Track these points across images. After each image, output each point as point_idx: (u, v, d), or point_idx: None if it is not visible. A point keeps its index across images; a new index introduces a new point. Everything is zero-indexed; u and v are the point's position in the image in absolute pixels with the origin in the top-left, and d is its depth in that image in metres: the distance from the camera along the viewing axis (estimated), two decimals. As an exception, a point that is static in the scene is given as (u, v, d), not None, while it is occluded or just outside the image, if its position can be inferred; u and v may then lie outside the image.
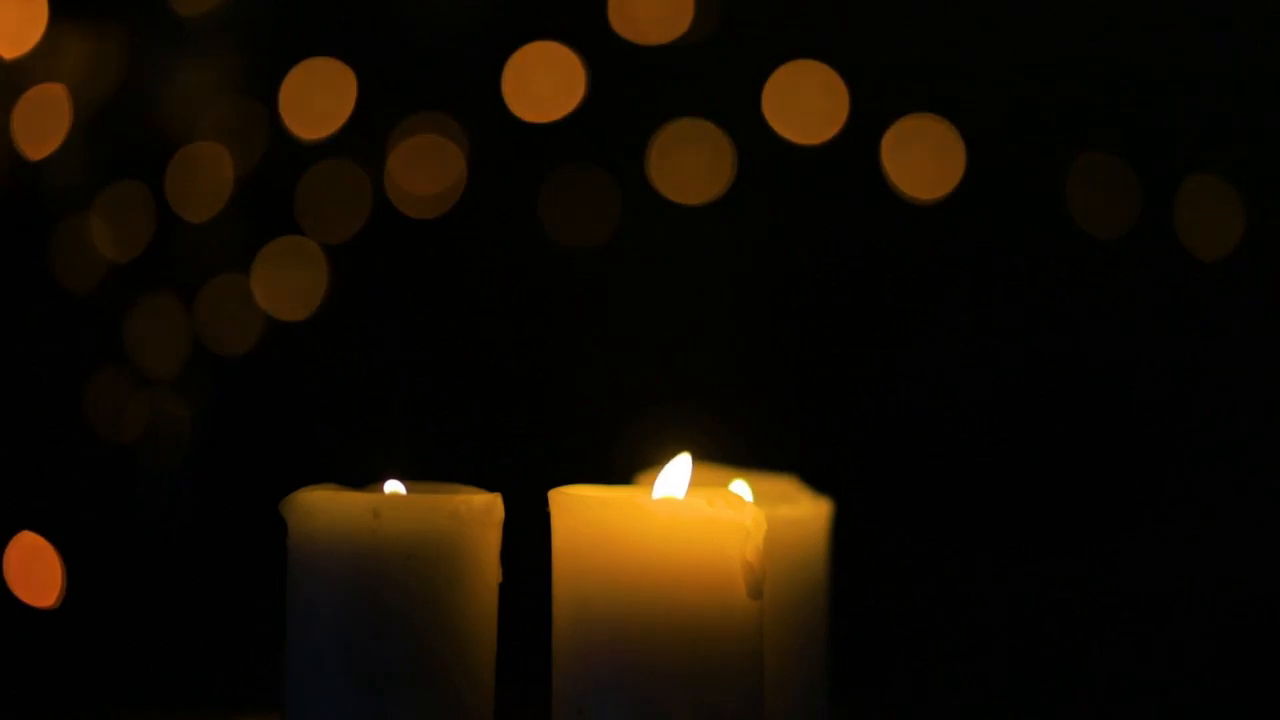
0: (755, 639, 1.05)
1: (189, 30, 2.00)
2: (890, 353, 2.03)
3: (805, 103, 1.99)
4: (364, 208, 2.03)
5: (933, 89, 1.98)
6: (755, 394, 2.01)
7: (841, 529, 1.27)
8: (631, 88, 2.02)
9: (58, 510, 1.96)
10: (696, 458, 1.11)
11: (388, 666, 1.07)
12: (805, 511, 1.23)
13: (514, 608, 1.15)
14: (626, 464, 1.26)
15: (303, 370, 2.05)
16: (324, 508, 1.08)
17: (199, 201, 2.01)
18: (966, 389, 2.01)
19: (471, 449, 2.02)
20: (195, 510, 2.02)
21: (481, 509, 1.09)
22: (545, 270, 2.05)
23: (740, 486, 1.23)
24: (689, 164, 2.01)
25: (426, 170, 2.03)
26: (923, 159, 1.98)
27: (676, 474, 1.09)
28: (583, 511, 1.05)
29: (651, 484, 1.09)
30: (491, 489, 1.11)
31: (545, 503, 1.07)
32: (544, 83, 2.01)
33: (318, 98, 2.02)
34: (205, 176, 2.01)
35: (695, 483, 1.09)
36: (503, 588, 1.11)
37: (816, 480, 1.28)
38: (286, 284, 2.02)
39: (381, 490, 1.12)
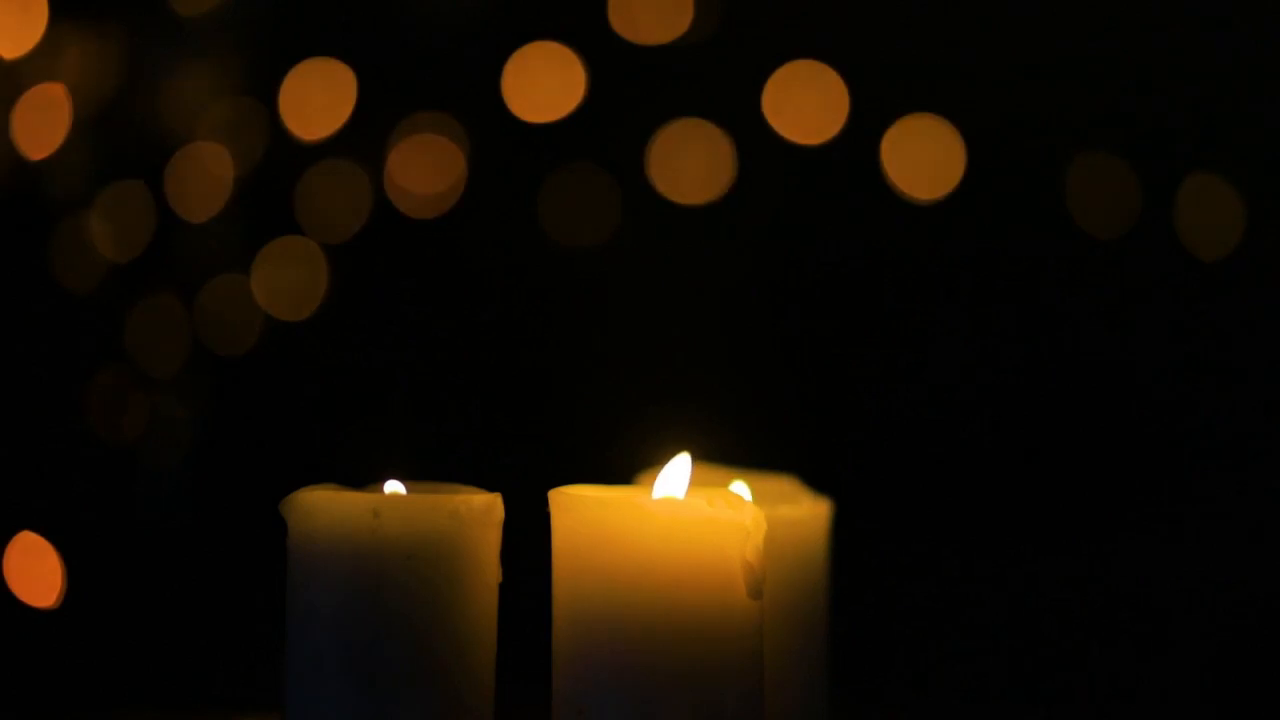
0: (755, 639, 1.05)
1: (189, 30, 2.00)
2: (890, 353, 2.03)
3: (805, 103, 1.99)
4: (364, 208, 2.03)
5: (933, 89, 1.98)
6: (755, 394, 2.01)
7: (841, 529, 1.27)
8: (631, 88, 2.02)
9: (58, 510, 1.96)
10: (696, 458, 1.11)
11: (388, 666, 1.07)
12: (805, 511, 1.23)
13: (514, 608, 1.16)
14: (626, 464, 1.26)
15: (303, 370, 2.05)
16: (324, 508, 1.08)
17: (199, 201, 2.00)
18: (966, 389, 2.01)
19: (471, 449, 2.02)
20: (195, 510, 2.02)
21: (481, 509, 1.09)
22: (545, 270, 2.05)
23: (740, 486, 1.23)
24: (689, 164, 2.01)
25: (426, 170, 2.03)
26: (923, 159, 1.98)
27: (676, 474, 1.09)
28: (582, 511, 1.05)
29: (651, 484, 1.09)
30: (491, 489, 1.11)
31: (545, 503, 1.07)
32: (544, 83, 2.01)
33: (318, 98, 2.02)
34: (205, 176, 2.01)
35: (695, 483, 1.09)
36: (503, 588, 1.11)
37: (816, 480, 1.28)
38: (286, 284, 2.02)
39: (381, 490, 1.12)
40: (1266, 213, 1.96)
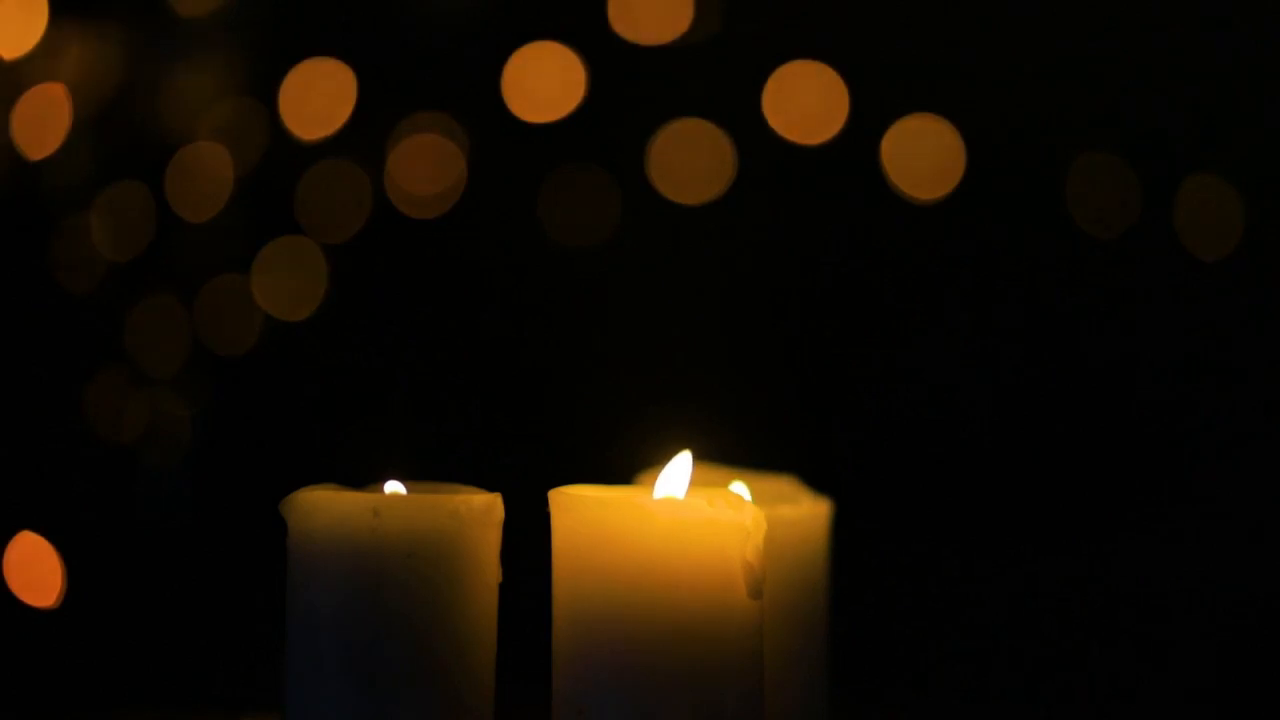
0: (755, 639, 1.05)
1: (189, 30, 2.00)
2: (890, 353, 2.03)
3: (805, 103, 1.99)
4: (364, 208, 2.03)
5: (933, 89, 1.98)
6: (755, 394, 2.01)
7: (841, 529, 1.27)
8: (631, 88, 2.02)
9: (58, 510, 1.96)
10: (696, 457, 1.11)
11: (388, 666, 1.07)
12: (805, 511, 1.23)
13: (514, 608, 1.16)
14: (626, 464, 1.26)
15: (303, 370, 2.05)
16: (324, 508, 1.08)
17: (199, 201, 2.00)
18: (966, 389, 2.01)
19: (471, 449, 2.02)
20: (195, 510, 2.02)
21: (481, 509, 1.09)
22: (545, 270, 2.05)
23: (740, 486, 1.23)
24: (689, 164, 2.01)
25: (426, 170, 2.03)
26: (923, 159, 1.98)
27: (677, 473, 1.09)
28: (582, 511, 1.05)
29: (652, 484, 1.09)
30: (491, 489, 1.11)
31: (545, 503, 1.07)
32: (544, 83, 2.01)
33: (318, 98, 2.02)
34: (205, 176, 2.01)
35: (695, 483, 1.09)
36: (503, 588, 1.11)
37: (816, 480, 1.28)
38: (286, 284, 2.02)
39: (381, 490, 1.12)
40: (1266, 213, 1.96)
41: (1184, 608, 1.97)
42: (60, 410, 1.98)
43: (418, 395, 2.06)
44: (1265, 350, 1.98)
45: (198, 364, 2.00)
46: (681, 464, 1.09)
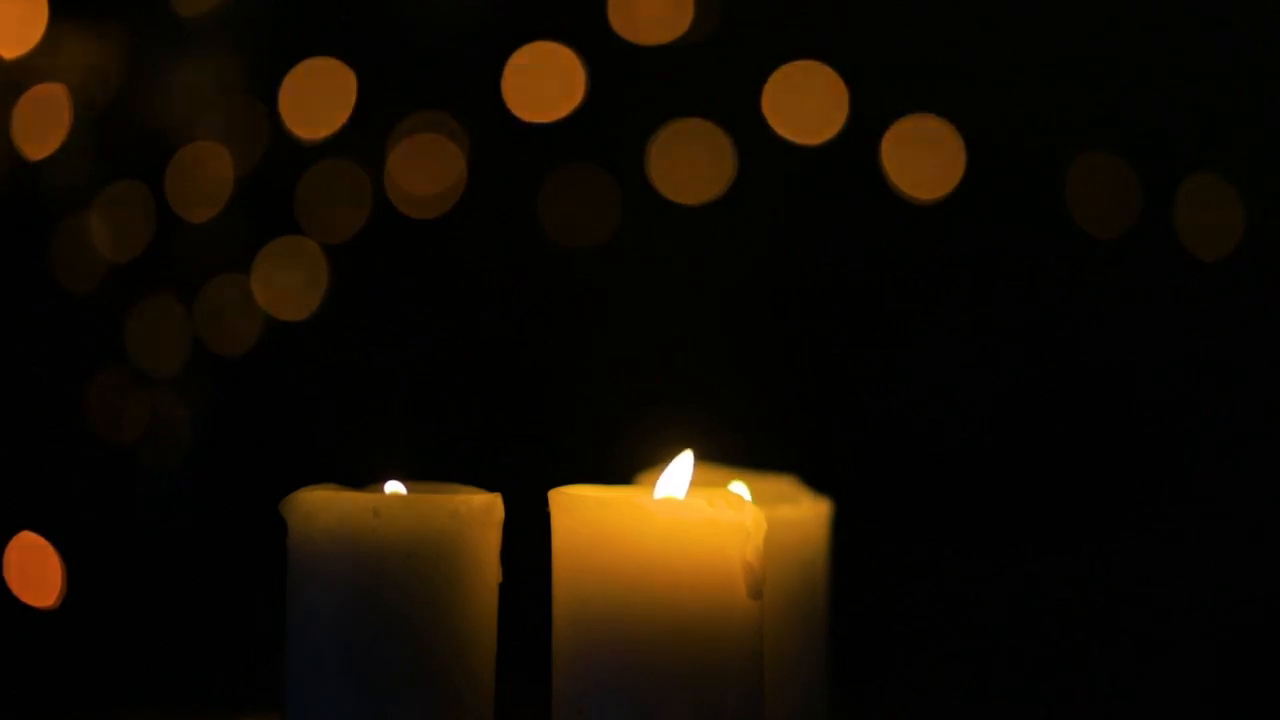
0: (755, 639, 1.05)
1: (189, 30, 2.00)
2: (890, 353, 2.03)
3: (805, 103, 1.99)
4: (364, 208, 2.03)
5: (933, 89, 1.98)
6: (755, 394, 2.01)
7: (841, 529, 1.27)
8: (631, 88, 2.02)
9: (58, 510, 1.96)
10: (697, 458, 1.11)
11: (388, 667, 1.07)
12: (805, 511, 1.23)
13: (514, 608, 1.16)
14: (626, 464, 1.26)
15: (303, 370, 2.05)
16: (324, 508, 1.08)
17: (199, 201, 2.00)
18: (966, 389, 2.01)
19: (471, 449, 2.02)
20: (195, 510, 2.02)
21: (481, 509, 1.09)
22: (545, 270, 2.05)
23: (740, 486, 1.23)
24: (689, 164, 2.01)
25: (426, 170, 2.03)
26: (923, 159, 1.98)
27: (679, 472, 1.09)
28: (582, 511, 1.05)
29: (652, 484, 1.09)
30: (491, 489, 1.11)
31: (545, 503, 1.07)
32: (544, 83, 2.01)
33: (318, 98, 2.02)
34: (205, 176, 2.01)
35: (695, 483, 1.09)
36: (503, 588, 1.11)
37: (816, 480, 1.28)
38: (286, 284, 2.02)
39: (381, 490, 1.12)
40: (1266, 213, 1.96)
41: (1184, 608, 1.97)
42: (60, 410, 1.98)
43: (418, 395, 2.06)
44: (1265, 350, 1.98)
45: (198, 364, 2.00)
46: (683, 464, 1.09)
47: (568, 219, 2.03)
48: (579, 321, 2.05)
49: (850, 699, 1.36)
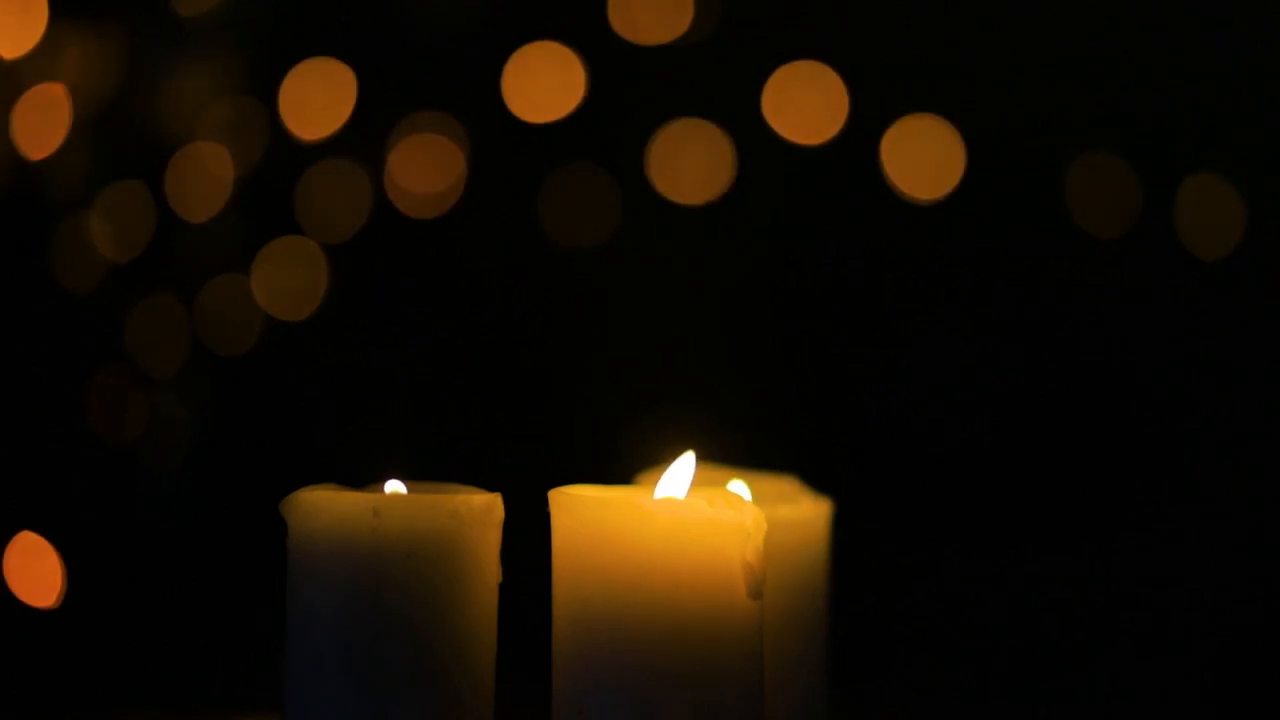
0: (755, 639, 1.05)
1: (189, 30, 2.00)
2: (890, 353, 2.03)
3: (805, 103, 1.99)
4: (364, 208, 2.03)
5: (933, 89, 1.98)
6: (755, 394, 2.01)
7: (841, 529, 1.27)
8: (631, 88, 2.02)
9: (58, 510, 1.96)
10: (697, 458, 1.11)
11: (387, 667, 1.07)
12: (805, 512, 1.23)
13: (514, 608, 1.15)
14: (626, 464, 1.26)
15: (303, 370, 2.05)
16: (324, 508, 1.08)
17: (199, 201, 2.00)
18: (966, 389, 2.01)
19: (471, 449, 2.02)
20: (195, 510, 2.02)
21: (481, 509, 1.09)
22: (545, 270, 2.05)
23: (740, 486, 1.23)
24: (689, 164, 2.01)
25: (426, 170, 2.03)
26: (923, 159, 1.98)
27: (680, 473, 1.09)
28: (583, 511, 1.05)
29: (653, 484, 1.09)
30: (491, 489, 1.11)
31: (545, 503, 1.07)
32: (544, 83, 2.01)
33: (318, 98, 2.02)
34: (205, 176, 2.01)
35: (696, 483, 1.09)
36: (503, 588, 1.11)
37: (816, 480, 1.28)
38: (286, 284, 2.02)
39: (381, 490, 1.12)
40: (1266, 213, 1.96)
41: (1184, 608, 1.97)
42: (60, 410, 1.98)
43: (418, 395, 2.06)
44: (1265, 350, 1.98)
45: (198, 364, 2.00)
46: (685, 465, 1.09)
47: (568, 219, 2.03)
48: (579, 321, 2.05)
49: (850, 699, 1.36)
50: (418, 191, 2.03)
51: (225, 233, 2.01)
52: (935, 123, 1.98)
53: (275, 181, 2.02)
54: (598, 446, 1.62)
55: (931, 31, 2.01)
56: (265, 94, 2.01)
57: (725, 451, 1.28)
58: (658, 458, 1.14)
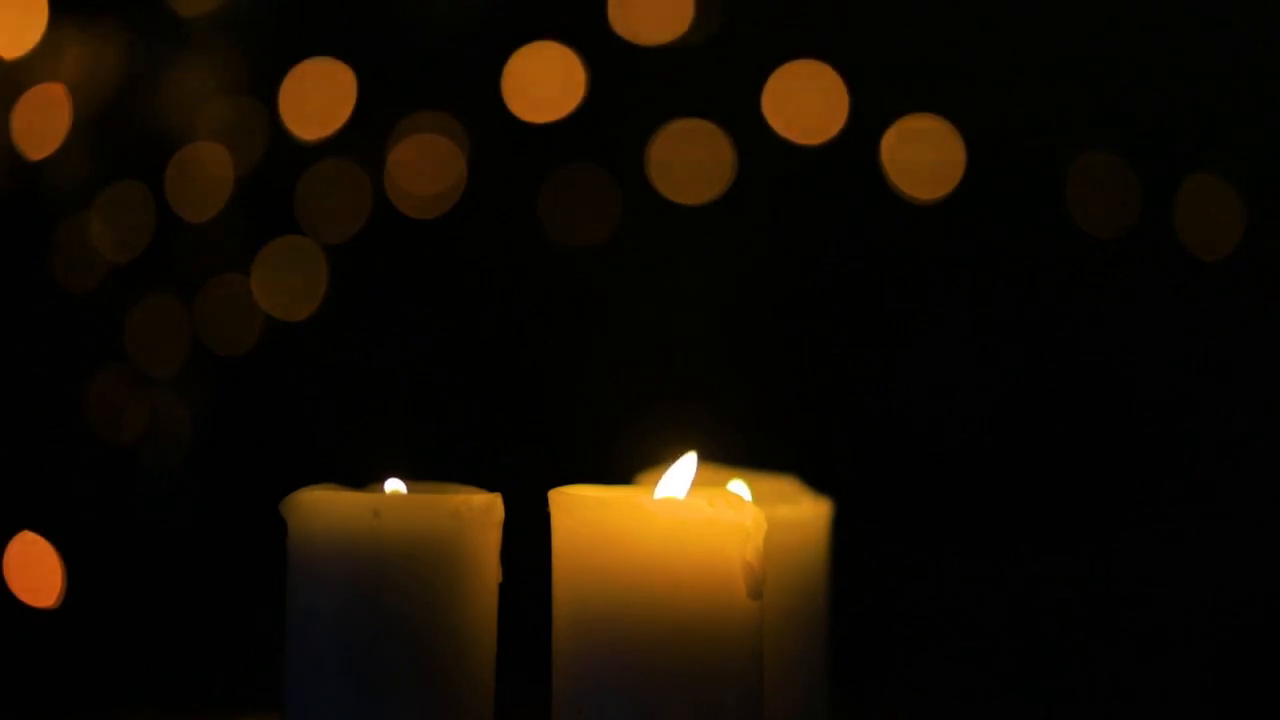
0: (755, 639, 1.05)
1: (189, 30, 2.00)
2: (890, 353, 2.03)
3: (805, 103, 1.99)
4: (364, 208, 2.03)
5: (933, 89, 1.98)
6: (755, 394, 2.01)
7: (841, 529, 1.27)
8: (631, 88, 2.02)
9: (58, 510, 1.96)
10: (698, 457, 1.11)
11: (387, 667, 1.07)
12: (805, 512, 1.23)
13: (514, 608, 1.15)
14: (627, 464, 1.26)
15: (303, 370, 2.05)
16: (324, 508, 1.08)
17: (199, 201, 2.00)
18: (966, 389, 2.01)
19: (471, 449, 2.02)
20: (195, 510, 2.02)
21: (481, 509, 1.09)
22: (545, 270, 2.05)
23: (740, 486, 1.23)
24: (689, 164, 2.01)
25: (426, 170, 2.03)
26: (923, 159, 1.98)
27: (681, 473, 1.09)
28: (583, 511, 1.05)
29: (653, 484, 1.09)
30: (491, 489, 1.11)
31: (545, 503, 1.07)
32: (544, 83, 2.01)
33: (318, 98, 2.02)
34: (205, 176, 2.01)
35: (696, 482, 1.09)
36: (503, 588, 1.11)
37: (816, 480, 1.28)
38: (286, 284, 2.02)
39: (381, 490, 1.12)
40: (1266, 213, 1.96)
41: (1184, 608, 1.97)
42: (60, 410, 1.98)
43: (418, 395, 2.06)
44: (1265, 350, 1.98)
45: (198, 364, 2.00)
46: (686, 465, 1.09)
47: (568, 219, 2.03)
48: (579, 321, 2.05)
49: (850, 699, 1.36)
50: (418, 192, 2.03)
51: (225, 233, 2.01)
52: (935, 123, 1.98)
53: (275, 181, 2.02)
54: (598, 446, 1.62)
55: (931, 31, 2.01)
56: (265, 94, 2.01)
57: (725, 451, 1.28)
58: (658, 458, 1.14)
